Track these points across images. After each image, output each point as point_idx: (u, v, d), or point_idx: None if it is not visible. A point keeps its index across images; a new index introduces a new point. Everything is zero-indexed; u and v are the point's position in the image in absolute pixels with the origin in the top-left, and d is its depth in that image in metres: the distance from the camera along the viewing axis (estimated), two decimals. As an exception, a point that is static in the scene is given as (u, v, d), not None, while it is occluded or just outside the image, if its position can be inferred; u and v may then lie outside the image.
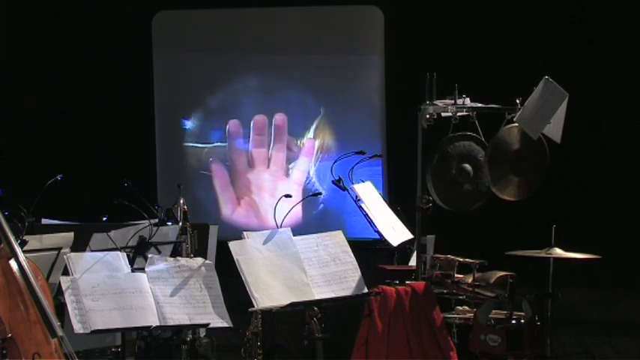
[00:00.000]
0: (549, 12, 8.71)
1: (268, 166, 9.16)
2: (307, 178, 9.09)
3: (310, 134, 9.13)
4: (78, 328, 4.49)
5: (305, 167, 9.12)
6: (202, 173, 9.26)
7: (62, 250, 5.02)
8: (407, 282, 5.71)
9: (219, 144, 9.26)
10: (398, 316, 5.49)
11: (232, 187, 9.23)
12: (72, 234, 5.16)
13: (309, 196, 7.33)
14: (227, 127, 9.21)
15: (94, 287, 4.60)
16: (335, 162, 6.44)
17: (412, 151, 5.96)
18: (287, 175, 9.12)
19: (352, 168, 6.30)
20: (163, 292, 4.72)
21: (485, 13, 8.84)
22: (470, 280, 5.74)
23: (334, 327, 4.90)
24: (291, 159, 9.14)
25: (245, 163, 9.21)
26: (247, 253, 4.80)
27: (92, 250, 5.17)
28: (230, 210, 9.22)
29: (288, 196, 5.19)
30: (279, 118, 9.15)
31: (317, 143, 9.13)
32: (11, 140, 9.14)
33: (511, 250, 5.94)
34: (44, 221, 5.99)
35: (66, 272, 4.69)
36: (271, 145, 9.16)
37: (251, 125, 9.16)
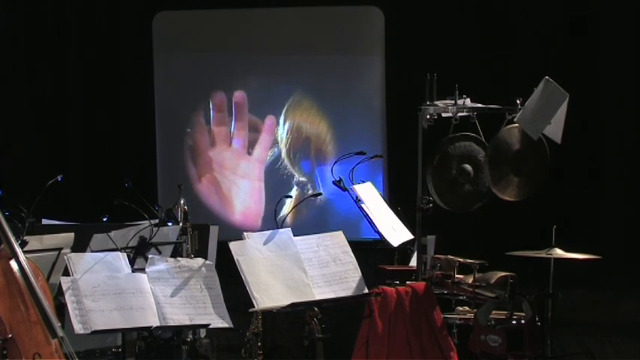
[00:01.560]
0: (549, 12, 8.71)
1: (230, 144, 9.17)
2: (279, 161, 9.07)
3: (282, 115, 9.13)
4: (78, 328, 4.49)
5: (267, 145, 9.11)
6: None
7: (63, 251, 5.01)
8: (407, 282, 5.71)
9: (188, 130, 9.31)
10: (398, 316, 5.48)
11: (193, 164, 9.24)
12: (72, 234, 5.16)
13: (309, 196, 7.32)
14: None
15: (95, 288, 4.60)
16: (335, 162, 6.44)
17: (412, 151, 5.95)
18: (249, 153, 9.15)
19: (353, 168, 6.29)
20: (164, 293, 4.72)
21: (486, 13, 8.84)
22: (470, 280, 5.73)
23: (335, 327, 4.90)
24: (258, 140, 9.17)
25: (207, 141, 9.22)
26: (248, 254, 4.80)
27: (93, 251, 5.16)
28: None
29: (288, 196, 5.20)
30: (239, 95, 9.15)
31: (288, 124, 9.12)
32: (11, 140, 9.14)
33: (511, 250, 5.94)
34: (44, 221, 5.99)
35: (66, 273, 4.69)
36: (232, 122, 9.16)
37: (210, 103, 9.17)
